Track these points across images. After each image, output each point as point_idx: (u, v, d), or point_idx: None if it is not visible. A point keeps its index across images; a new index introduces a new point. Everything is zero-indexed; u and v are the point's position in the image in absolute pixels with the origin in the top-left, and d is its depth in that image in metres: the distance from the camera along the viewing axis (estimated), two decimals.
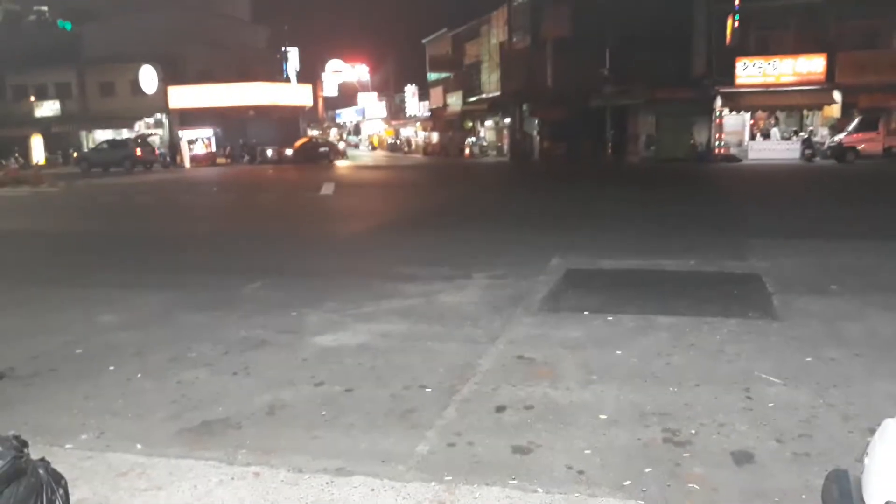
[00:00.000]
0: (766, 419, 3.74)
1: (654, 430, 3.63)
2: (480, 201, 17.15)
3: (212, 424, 3.80)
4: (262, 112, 45.45)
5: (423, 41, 57.56)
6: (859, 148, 26.41)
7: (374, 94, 69.96)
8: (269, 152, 42.50)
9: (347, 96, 72.66)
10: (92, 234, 13.19)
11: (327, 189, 21.39)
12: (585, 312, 5.83)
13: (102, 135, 44.48)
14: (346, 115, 78.95)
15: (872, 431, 3.76)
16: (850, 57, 27.96)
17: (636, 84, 30.81)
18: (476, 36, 47.35)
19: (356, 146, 73.21)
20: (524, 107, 38.29)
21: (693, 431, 3.61)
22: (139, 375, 4.65)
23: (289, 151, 41.95)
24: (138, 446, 3.53)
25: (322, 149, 44.43)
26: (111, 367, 4.81)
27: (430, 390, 4.26)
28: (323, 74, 66.84)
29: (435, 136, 53.91)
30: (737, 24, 28.57)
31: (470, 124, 49.54)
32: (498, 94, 41.70)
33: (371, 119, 72.93)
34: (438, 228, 11.94)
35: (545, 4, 35.02)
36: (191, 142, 42.49)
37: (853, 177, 21.59)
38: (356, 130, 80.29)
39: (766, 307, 5.90)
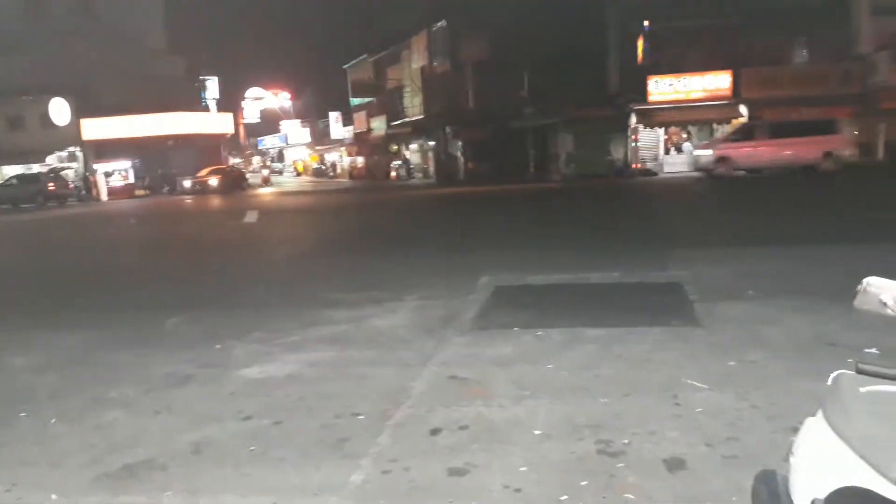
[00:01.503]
0: (695, 424, 3.82)
1: (588, 443, 3.65)
2: (408, 223, 17.13)
3: (134, 468, 3.62)
4: (183, 141, 44.40)
5: (345, 67, 57.55)
6: (733, 159, 27.52)
7: (297, 121, 69.46)
8: (188, 183, 41.45)
9: (270, 123, 71.94)
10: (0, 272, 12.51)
11: (251, 217, 21.01)
12: (515, 329, 5.86)
13: (12, 170, 42.48)
14: (270, 142, 78.07)
15: (796, 430, 3.88)
16: (755, 73, 29.42)
17: (554, 104, 31.58)
18: (397, 61, 47.68)
19: (280, 172, 72.36)
20: (448, 129, 38.70)
21: (626, 441, 3.65)
22: (54, 420, 4.40)
23: (213, 181, 41.04)
24: (54, 497, 3.33)
25: (243, 175, 43.77)
26: (22, 414, 4.54)
27: (362, 417, 4.18)
28: (243, 102, 65.97)
29: (360, 160, 53.83)
30: (647, 43, 29.68)
31: (395, 147, 49.71)
32: (422, 117, 42.04)
33: (295, 145, 72.31)
34: (366, 252, 11.85)
35: (463, 29, 35.63)
36: (108, 174, 41.07)
37: (761, 186, 22.62)
38: (280, 157, 79.44)
39: (689, 315, 6.07)
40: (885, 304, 1.84)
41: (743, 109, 30.07)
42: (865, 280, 1.94)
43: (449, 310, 6.76)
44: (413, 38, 43.66)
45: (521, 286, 7.70)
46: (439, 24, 39.25)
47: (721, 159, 26.27)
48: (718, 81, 30.15)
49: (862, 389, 1.67)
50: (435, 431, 3.90)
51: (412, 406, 4.29)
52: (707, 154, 27.22)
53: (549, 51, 29.93)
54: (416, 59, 43.60)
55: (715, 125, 31.75)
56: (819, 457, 1.66)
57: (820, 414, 1.75)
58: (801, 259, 8.55)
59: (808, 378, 4.38)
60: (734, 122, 30.66)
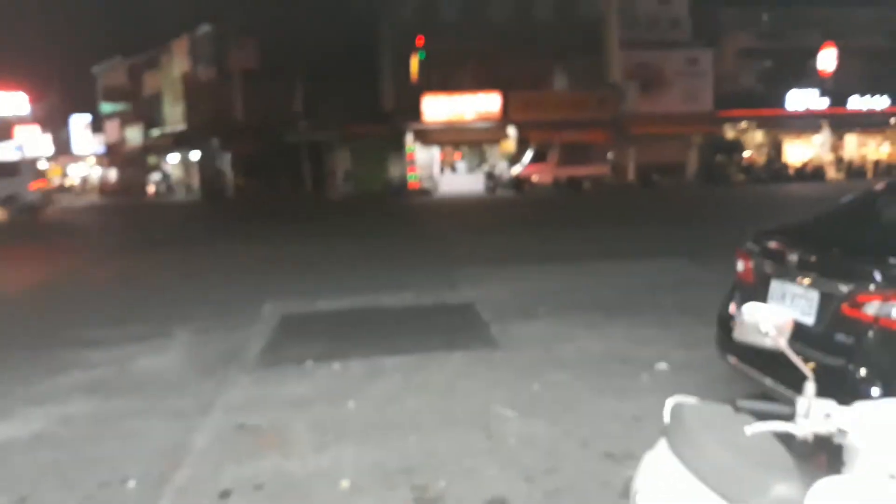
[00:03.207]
0: (512, 458, 3.64)
1: (403, 491, 3.32)
2: (168, 246, 15.33)
3: None
4: None
5: (94, 69, 52.33)
6: (533, 179, 29.68)
7: (37, 128, 61.73)
8: None
9: (5, 130, 63.12)
10: None
11: None
12: (308, 362, 5.34)
13: None
14: (2, 153, 68.54)
15: (610, 455, 3.87)
16: (521, 96, 31.45)
17: (330, 120, 31.19)
18: (155, 66, 44.27)
19: None
20: (214, 141, 36.56)
21: (443, 484, 3.37)
22: None
23: None
24: None
25: None
26: None
27: (134, 484, 3.47)
28: None
29: (113, 174, 49.07)
30: (421, 61, 30.42)
31: (154, 160, 45.99)
32: (184, 127, 39.30)
33: (34, 156, 64.15)
34: (123, 280, 10.45)
35: (230, 35, 33.98)
36: None
37: (531, 205, 24.07)
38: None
39: (486, 336, 5.98)
40: (766, 334, 1.75)
41: (511, 131, 31.96)
42: (742, 309, 1.81)
43: (229, 344, 6.03)
44: (174, 42, 40.83)
45: (311, 313, 7.14)
46: (203, 28, 37.11)
47: (523, 179, 30.01)
48: (489, 103, 31.74)
49: (704, 419, 1.65)
50: (225, 494, 3.33)
51: (195, 465, 3.63)
52: (510, 174, 30.90)
53: (324, 64, 29.53)
54: (178, 64, 40.80)
55: (486, 146, 33.44)
56: (669, 492, 1.65)
57: (664, 446, 1.74)
58: (577, 275, 8.95)
59: (610, 397, 4.41)
60: (503, 143, 32.51)
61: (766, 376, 3.65)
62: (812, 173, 33.55)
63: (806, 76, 34.34)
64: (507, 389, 4.62)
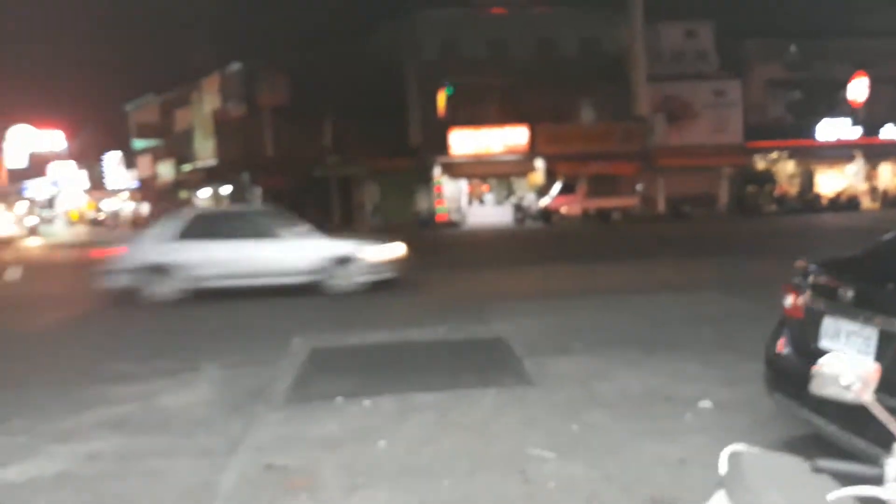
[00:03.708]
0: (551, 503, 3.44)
1: None
2: None
3: None
4: None
5: (127, 107, 53.55)
6: (562, 211, 29.56)
7: (73, 163, 63.09)
8: None
9: (41, 166, 64.56)
10: None
11: (13, 274, 18.25)
12: (339, 398, 5.20)
13: None
14: (39, 188, 70.05)
15: (656, 502, 3.67)
16: (548, 129, 31.53)
17: (358, 154, 31.46)
18: (186, 102, 45.18)
19: (51, 221, 65.00)
20: (244, 175, 37.03)
21: None
22: None
23: None
24: None
25: None
26: None
27: None
28: (4, 143, 58.68)
29: (146, 208, 49.87)
30: (448, 97, 30.68)
31: (185, 194, 46.67)
32: (214, 162, 39.91)
33: (71, 191, 65.49)
34: (156, 312, 10.42)
35: (260, 73, 34.60)
36: None
37: (560, 236, 23.89)
38: (51, 204, 71.45)
39: (520, 372, 5.80)
40: (847, 387, 1.56)
41: (539, 163, 31.95)
42: (820, 362, 1.64)
43: (258, 379, 5.92)
44: (204, 80, 41.67)
45: (341, 348, 7.02)
46: (234, 66, 37.84)
47: (552, 211, 30.34)
48: (516, 136, 31.84)
49: (771, 474, 1.47)
50: None
51: None
52: (539, 206, 31.15)
53: (352, 100, 29.87)
54: (209, 101, 41.57)
55: (513, 178, 33.45)
56: None
57: (723, 497, 1.55)
58: (610, 309, 8.74)
59: (653, 439, 4.20)
60: (531, 175, 32.48)
61: (819, 417, 3.43)
62: (846, 203, 32.98)
63: (837, 106, 33.94)
64: (544, 430, 4.44)
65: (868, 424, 2.82)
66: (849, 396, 1.58)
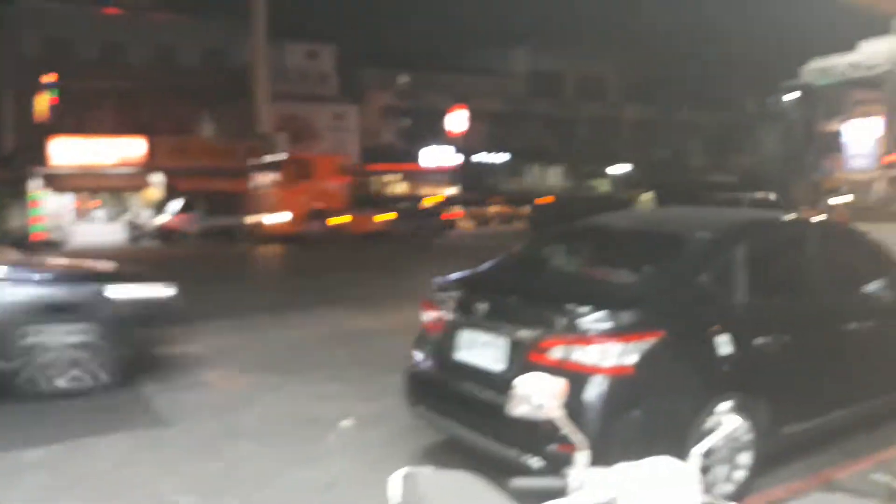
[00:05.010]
0: None
1: None
2: None
3: None
4: None
5: None
6: (182, 229, 27.84)
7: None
8: None
9: None
10: None
11: None
12: None
13: None
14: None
15: None
16: (168, 142, 29.54)
17: None
18: None
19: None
20: None
21: None
22: None
23: None
24: None
25: None
26: None
27: None
28: None
29: None
30: (52, 100, 26.93)
31: None
32: None
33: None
34: None
35: None
36: None
37: (183, 257, 22.34)
38: None
39: (151, 411, 5.22)
40: (539, 406, 1.65)
41: (158, 178, 29.80)
42: (515, 382, 1.71)
43: None
44: None
45: None
46: None
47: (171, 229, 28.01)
48: (132, 148, 29.27)
49: (439, 487, 1.52)
50: None
51: None
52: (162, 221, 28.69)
53: None
54: None
55: (129, 193, 30.69)
56: None
57: None
58: (240, 331, 8.38)
59: (301, 466, 4.12)
60: (148, 190, 30.09)
61: (463, 428, 3.69)
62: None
63: (440, 135, 38.14)
64: (184, 473, 4.05)
65: (516, 434, 3.10)
66: (541, 414, 1.67)
